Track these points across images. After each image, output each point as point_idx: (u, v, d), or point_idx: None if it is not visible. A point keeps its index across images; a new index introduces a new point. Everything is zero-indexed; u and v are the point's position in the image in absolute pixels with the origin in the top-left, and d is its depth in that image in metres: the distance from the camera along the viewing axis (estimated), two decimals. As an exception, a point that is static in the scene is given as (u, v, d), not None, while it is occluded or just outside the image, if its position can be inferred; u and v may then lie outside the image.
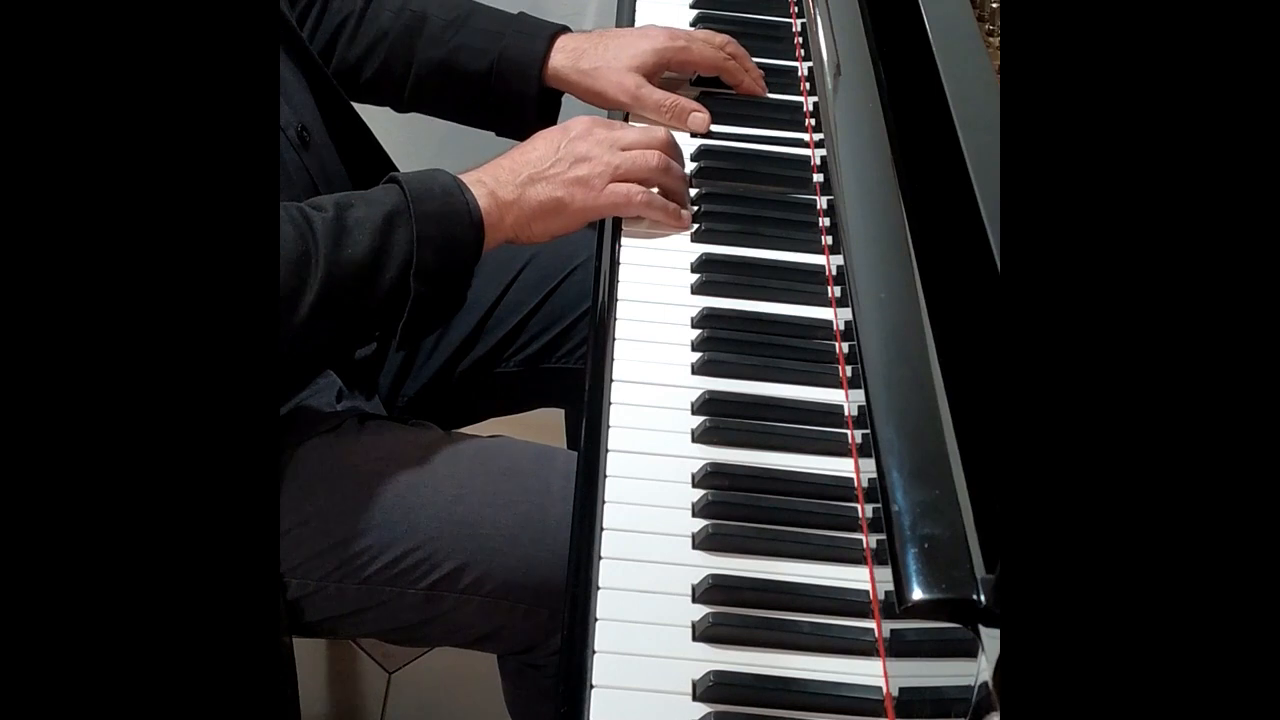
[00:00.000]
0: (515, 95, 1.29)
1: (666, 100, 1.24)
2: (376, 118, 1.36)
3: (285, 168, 1.15)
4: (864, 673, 0.83)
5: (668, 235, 1.12)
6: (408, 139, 1.42)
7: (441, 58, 1.29)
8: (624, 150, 1.10)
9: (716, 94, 1.28)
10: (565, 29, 1.30)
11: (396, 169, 1.35)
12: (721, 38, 1.29)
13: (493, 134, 1.35)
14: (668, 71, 1.28)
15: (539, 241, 1.11)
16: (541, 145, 1.10)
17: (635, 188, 1.10)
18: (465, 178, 1.07)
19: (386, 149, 1.34)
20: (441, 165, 1.09)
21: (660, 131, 1.14)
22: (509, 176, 1.08)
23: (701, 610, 0.85)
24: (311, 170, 1.18)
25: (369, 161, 1.31)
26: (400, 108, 1.36)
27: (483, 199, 1.06)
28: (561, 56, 1.27)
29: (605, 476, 0.92)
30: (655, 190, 1.12)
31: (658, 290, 1.07)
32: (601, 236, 1.14)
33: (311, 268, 0.99)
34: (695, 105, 1.25)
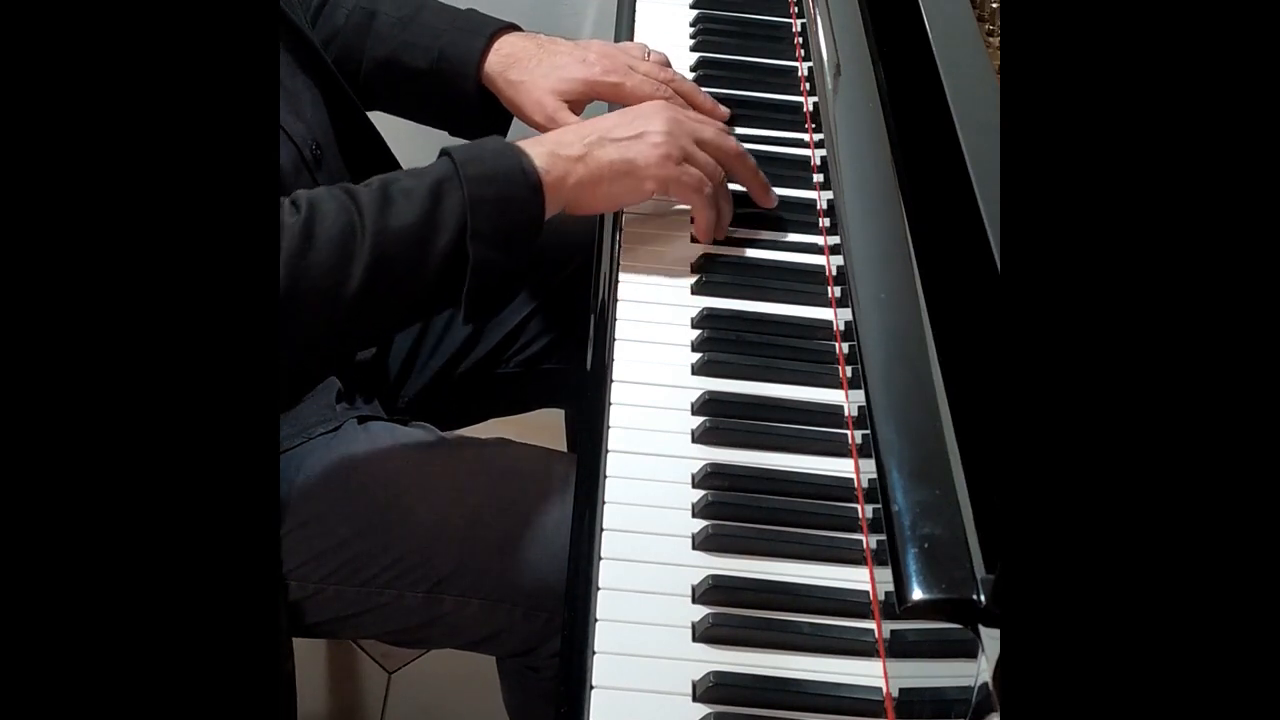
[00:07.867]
0: (455, 95, 1.25)
1: None
2: (383, 120, 1.35)
3: (298, 186, 1.12)
4: (864, 673, 0.83)
5: (668, 234, 1.12)
6: (411, 137, 1.40)
7: (386, 55, 1.26)
8: (698, 144, 1.08)
9: (715, 93, 1.28)
10: (510, 27, 1.25)
11: None
12: (667, 73, 1.22)
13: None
14: (598, 100, 1.22)
15: (598, 211, 1.08)
16: (614, 115, 1.09)
17: (708, 181, 1.08)
18: (523, 141, 1.04)
19: (393, 153, 1.32)
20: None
21: (732, 142, 1.12)
22: (574, 138, 1.05)
23: (701, 611, 0.85)
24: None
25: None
26: (364, 105, 1.31)
27: (541, 158, 1.02)
28: (496, 59, 1.23)
29: (605, 477, 0.92)
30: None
31: (658, 290, 1.07)
32: (601, 235, 1.14)
33: (358, 238, 0.97)
34: None
